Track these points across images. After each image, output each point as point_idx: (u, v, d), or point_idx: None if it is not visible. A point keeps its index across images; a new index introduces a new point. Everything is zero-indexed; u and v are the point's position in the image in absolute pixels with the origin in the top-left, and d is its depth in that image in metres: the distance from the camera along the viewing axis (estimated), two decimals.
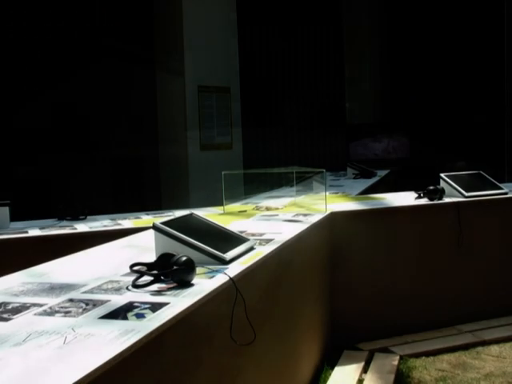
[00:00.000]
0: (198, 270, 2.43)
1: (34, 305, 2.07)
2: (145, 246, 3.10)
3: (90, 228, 4.12)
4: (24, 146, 7.66)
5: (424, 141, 12.26)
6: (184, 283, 2.30)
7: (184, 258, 2.32)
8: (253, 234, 3.46)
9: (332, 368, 4.22)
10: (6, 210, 4.22)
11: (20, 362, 1.54)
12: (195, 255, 2.53)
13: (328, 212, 4.48)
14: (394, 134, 12.27)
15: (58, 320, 1.89)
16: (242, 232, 3.37)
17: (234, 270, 2.57)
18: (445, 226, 4.99)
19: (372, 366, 4.29)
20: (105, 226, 4.22)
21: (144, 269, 2.43)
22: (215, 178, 5.38)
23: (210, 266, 2.58)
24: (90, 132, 8.23)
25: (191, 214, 3.11)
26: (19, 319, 1.91)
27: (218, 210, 4.80)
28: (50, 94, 7.86)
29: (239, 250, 2.87)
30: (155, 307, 2.01)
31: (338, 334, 4.62)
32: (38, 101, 7.75)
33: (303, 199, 5.19)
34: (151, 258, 2.60)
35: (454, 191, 5.14)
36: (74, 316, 1.93)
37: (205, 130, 8.75)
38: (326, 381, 4.03)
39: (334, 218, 4.53)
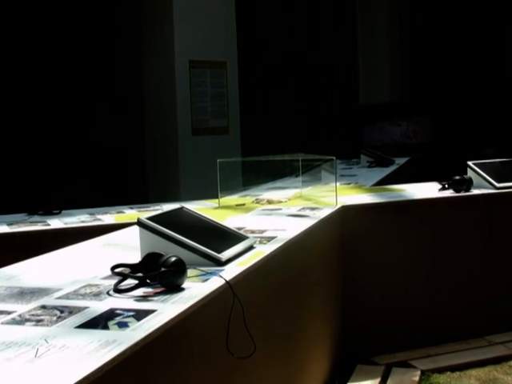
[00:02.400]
0: (190, 272, 2.42)
1: (1, 312, 2.07)
2: (128, 245, 3.10)
3: (66, 224, 4.12)
4: None
5: (449, 124, 12.25)
6: (173, 287, 2.29)
7: (173, 259, 2.32)
8: (252, 231, 3.46)
9: None
10: None
11: None
12: (186, 255, 2.53)
13: (339, 206, 4.48)
14: (414, 116, 12.25)
15: (28, 330, 1.89)
16: (239, 229, 3.37)
17: (231, 272, 2.57)
18: (473, 222, 4.98)
19: (389, 382, 4.29)
20: (82, 221, 4.22)
21: (127, 271, 2.43)
22: (209, 166, 5.37)
23: (204, 268, 2.58)
24: (65, 114, 8.22)
25: (181, 208, 3.11)
26: None
27: (213, 203, 4.80)
28: (32, 77, 7.86)
29: (237, 250, 2.87)
30: (140, 315, 2.01)
31: (351, 345, 4.63)
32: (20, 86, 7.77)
33: (310, 191, 5.18)
34: (136, 258, 2.60)
35: (484, 182, 5.14)
36: (47, 325, 1.93)
37: (197, 111, 8.74)
38: None
39: (345, 213, 4.53)
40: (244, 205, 4.72)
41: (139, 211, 4.57)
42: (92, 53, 8.44)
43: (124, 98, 8.72)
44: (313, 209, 4.34)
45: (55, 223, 4.15)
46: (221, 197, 4.73)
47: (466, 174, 5.20)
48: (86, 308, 2.10)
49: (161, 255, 2.38)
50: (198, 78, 8.75)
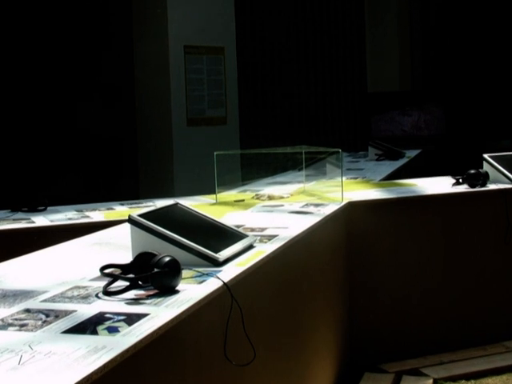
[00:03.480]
0: (184, 273, 2.42)
1: None
2: (119, 244, 3.11)
3: (51, 221, 4.12)
4: None
5: (463, 114, 12.24)
6: (167, 289, 2.29)
7: (167, 259, 2.32)
8: (252, 229, 3.46)
9: None
10: None
11: None
12: (181, 255, 2.53)
13: (345, 202, 4.48)
14: (426, 106, 12.25)
15: (11, 335, 1.89)
16: (238, 227, 3.37)
17: (229, 273, 2.57)
18: (489, 219, 4.98)
19: None
20: (69, 218, 4.22)
21: (118, 272, 2.43)
22: (205, 159, 5.37)
23: (199, 269, 2.58)
24: (51, 103, 8.22)
25: (176, 205, 3.11)
26: None
27: (209, 199, 4.80)
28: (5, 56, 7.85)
29: (235, 249, 2.87)
30: (131, 319, 2.01)
31: (358, 351, 4.63)
32: None
33: (314, 186, 5.18)
34: (127, 258, 2.60)
35: (501, 176, 5.13)
36: (32, 330, 1.92)
37: (193, 100, 8.74)
38: None
39: (352, 210, 4.53)
40: (243, 201, 4.72)
41: (130, 208, 4.57)
42: (81, 37, 8.42)
43: (114, 86, 8.70)
44: (317, 205, 4.34)
45: (40, 220, 4.15)
46: (218, 192, 4.73)
47: (482, 167, 5.20)
48: (73, 312, 2.09)
49: (154, 255, 2.37)
50: (194, 65, 8.74)
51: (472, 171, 5.01)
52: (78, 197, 5.63)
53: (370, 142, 8.06)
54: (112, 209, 4.58)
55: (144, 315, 2.05)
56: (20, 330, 1.93)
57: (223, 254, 2.74)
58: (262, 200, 4.73)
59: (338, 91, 11.90)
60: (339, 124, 11.87)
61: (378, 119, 12.20)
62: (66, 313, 2.08)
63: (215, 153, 4.72)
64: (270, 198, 4.80)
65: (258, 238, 3.23)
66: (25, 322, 2.00)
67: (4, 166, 7.76)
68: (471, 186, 4.98)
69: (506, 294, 5.07)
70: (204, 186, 5.28)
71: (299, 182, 5.37)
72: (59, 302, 2.22)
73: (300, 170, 5.49)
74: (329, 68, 11.77)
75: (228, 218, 3.86)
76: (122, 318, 2.03)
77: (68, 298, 2.27)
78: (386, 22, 12.64)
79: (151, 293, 2.28)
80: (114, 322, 1.99)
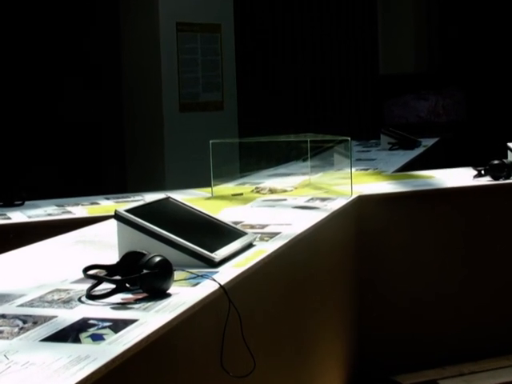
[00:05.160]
0: (177, 274, 2.42)
1: None
2: (104, 243, 3.11)
3: (29, 217, 4.12)
4: None
5: (485, 98, 12.23)
6: (157, 293, 2.30)
7: (157, 259, 2.32)
8: (252, 226, 3.47)
9: None
10: None
11: None
12: (172, 254, 2.53)
13: (354, 196, 4.48)
14: (444, 89, 12.24)
15: None
16: (236, 223, 3.37)
17: (226, 274, 2.57)
18: None
19: None
20: (49, 214, 4.22)
21: (103, 273, 2.43)
22: (200, 148, 5.37)
23: (193, 270, 2.58)
24: (28, 85, 8.21)
25: (167, 199, 3.11)
26: None
27: (204, 192, 4.80)
28: None
29: (233, 248, 2.88)
30: (118, 326, 2.01)
31: (368, 361, 4.63)
32: None
33: (321, 178, 5.18)
34: (113, 258, 2.60)
35: None
36: (7, 338, 1.93)
37: (186, 83, 8.73)
38: None
39: (362, 204, 4.53)
40: (242, 194, 4.72)
41: (117, 202, 4.57)
42: (62, 12, 8.41)
43: (99, 67, 8.70)
44: (324, 199, 4.34)
45: (17, 216, 4.15)
46: (214, 185, 4.73)
47: (506, 157, 5.20)
48: (53, 318, 2.09)
49: (142, 255, 2.38)
50: (187, 44, 8.73)
51: (495, 162, 5.00)
52: (59, 190, 5.63)
53: (382, 130, 8.06)
54: (96, 203, 4.59)
55: (132, 321, 2.05)
56: None
57: (220, 254, 2.74)
58: (263, 194, 4.73)
59: (346, 73, 11.89)
60: (348, 109, 11.86)
61: (391, 104, 12.19)
62: (46, 319, 2.08)
63: (211, 141, 4.72)
64: (272, 191, 4.80)
65: (258, 235, 3.23)
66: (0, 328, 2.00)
67: None
68: (494, 178, 4.98)
69: None
70: (198, 179, 5.28)
71: (304, 173, 5.36)
72: (38, 306, 2.22)
73: (305, 160, 5.49)
74: (337, 47, 11.76)
75: (225, 213, 3.87)
76: (108, 324, 2.03)
77: (48, 302, 2.27)
78: (400, 2, 12.61)
79: (140, 296, 2.29)
80: (98, 328, 2.00)
